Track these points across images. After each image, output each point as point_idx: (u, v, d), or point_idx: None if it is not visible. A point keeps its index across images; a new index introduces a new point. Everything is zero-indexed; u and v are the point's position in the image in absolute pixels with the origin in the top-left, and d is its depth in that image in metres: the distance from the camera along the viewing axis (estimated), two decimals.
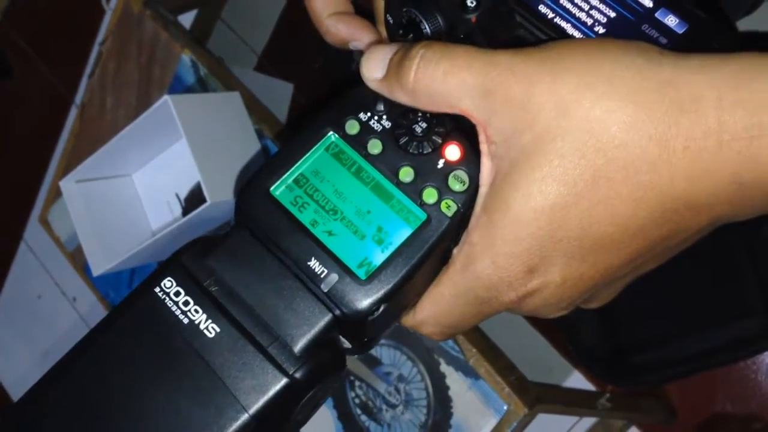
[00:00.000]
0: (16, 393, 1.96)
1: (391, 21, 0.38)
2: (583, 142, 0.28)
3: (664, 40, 0.33)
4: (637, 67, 0.28)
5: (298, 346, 0.31)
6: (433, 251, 0.32)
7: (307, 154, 0.33)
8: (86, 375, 0.32)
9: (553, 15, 0.34)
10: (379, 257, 0.32)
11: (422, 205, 0.32)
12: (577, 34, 0.34)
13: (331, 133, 0.33)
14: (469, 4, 0.34)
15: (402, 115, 0.33)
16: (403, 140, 0.33)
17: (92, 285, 1.19)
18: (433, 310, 0.33)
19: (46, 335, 1.94)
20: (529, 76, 0.29)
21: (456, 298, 0.32)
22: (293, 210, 0.32)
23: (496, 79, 0.29)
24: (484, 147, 0.31)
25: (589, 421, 1.23)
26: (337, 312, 0.31)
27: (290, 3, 1.59)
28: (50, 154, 1.95)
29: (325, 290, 0.31)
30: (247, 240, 0.32)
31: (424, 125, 0.33)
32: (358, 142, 0.33)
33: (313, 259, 0.31)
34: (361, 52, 0.39)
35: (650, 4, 0.34)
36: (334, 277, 0.31)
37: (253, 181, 0.33)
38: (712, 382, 1.16)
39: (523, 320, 1.29)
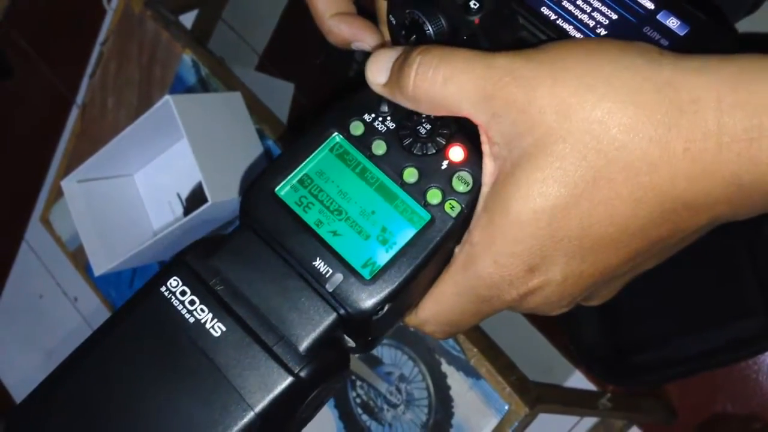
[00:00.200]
0: (18, 392, 1.96)
1: (394, 22, 0.38)
2: (584, 144, 0.28)
3: (665, 42, 0.33)
4: (636, 68, 0.28)
5: (303, 346, 0.31)
6: (436, 251, 0.32)
7: (312, 155, 0.34)
8: (92, 374, 0.32)
9: (556, 17, 0.34)
10: (383, 257, 0.32)
11: (426, 205, 0.32)
12: (579, 36, 0.34)
13: (336, 134, 0.34)
14: (471, 5, 0.34)
15: (406, 116, 0.33)
16: (407, 141, 0.33)
17: (94, 285, 1.19)
18: (435, 309, 0.34)
19: (48, 335, 1.94)
20: (529, 79, 0.29)
21: (457, 296, 0.33)
22: (298, 210, 0.33)
23: (497, 84, 0.29)
24: (486, 148, 0.31)
25: (589, 421, 1.23)
26: (342, 311, 0.31)
27: (291, 3, 1.59)
28: (51, 154, 1.95)
29: (330, 290, 0.31)
30: (252, 240, 0.33)
31: (428, 126, 0.33)
32: (362, 143, 0.33)
33: (318, 259, 0.32)
34: (362, 52, 0.39)
35: (652, 6, 0.34)
36: (339, 276, 0.31)
37: (258, 182, 0.33)
38: (713, 382, 1.17)
39: (524, 320, 1.29)
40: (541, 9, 0.34)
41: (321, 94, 1.55)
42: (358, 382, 0.91)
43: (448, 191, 0.32)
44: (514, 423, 0.80)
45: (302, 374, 0.31)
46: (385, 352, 0.89)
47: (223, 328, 0.31)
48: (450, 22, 0.35)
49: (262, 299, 0.32)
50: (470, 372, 0.83)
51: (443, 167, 0.33)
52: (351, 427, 0.92)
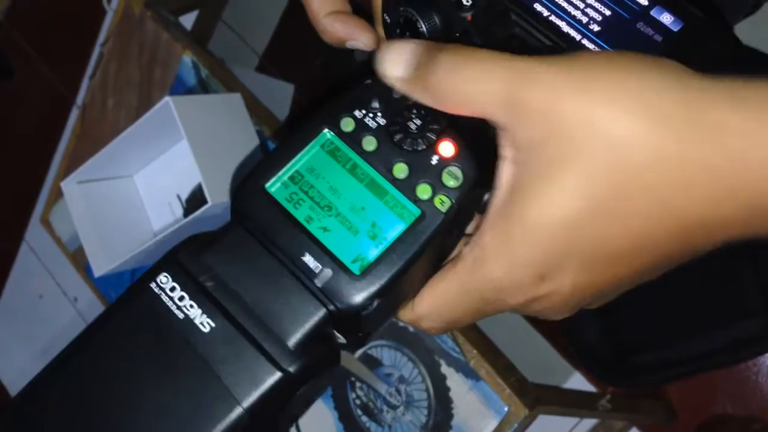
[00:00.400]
0: (17, 392, 1.96)
1: (389, 20, 0.38)
2: (605, 159, 0.28)
3: (659, 38, 0.33)
4: (661, 86, 0.28)
5: (292, 341, 0.31)
6: (427, 246, 0.32)
7: (303, 152, 0.33)
8: (83, 370, 0.32)
9: (549, 13, 0.34)
10: (373, 252, 0.32)
11: (416, 200, 0.32)
12: (572, 32, 0.34)
13: (327, 130, 0.34)
14: (464, 2, 0.34)
15: (397, 112, 0.33)
16: (397, 137, 0.33)
17: (93, 285, 1.19)
18: (436, 305, 0.34)
19: (48, 335, 1.94)
20: (555, 89, 0.29)
21: (462, 295, 0.32)
22: (288, 206, 0.33)
23: (523, 89, 0.29)
24: (506, 152, 0.30)
25: (589, 423, 1.23)
26: (331, 307, 0.31)
27: (291, 3, 1.59)
28: (51, 155, 1.96)
29: (320, 285, 0.31)
30: (243, 236, 0.32)
31: (418, 122, 0.33)
32: (353, 140, 0.33)
33: (307, 254, 0.32)
34: (362, 52, 0.39)
35: (645, 2, 0.34)
36: (329, 272, 0.31)
37: (249, 178, 0.33)
38: (713, 383, 1.16)
39: (524, 321, 1.29)
40: (534, 5, 0.34)
41: (321, 94, 1.55)
42: (358, 384, 0.91)
43: (438, 186, 0.32)
44: (514, 424, 0.80)
45: (291, 369, 0.31)
46: (384, 353, 0.89)
47: (212, 324, 0.31)
48: (443, 19, 0.35)
49: (252, 295, 0.32)
50: (470, 373, 0.83)
51: (433, 162, 0.32)
52: (351, 428, 0.92)
